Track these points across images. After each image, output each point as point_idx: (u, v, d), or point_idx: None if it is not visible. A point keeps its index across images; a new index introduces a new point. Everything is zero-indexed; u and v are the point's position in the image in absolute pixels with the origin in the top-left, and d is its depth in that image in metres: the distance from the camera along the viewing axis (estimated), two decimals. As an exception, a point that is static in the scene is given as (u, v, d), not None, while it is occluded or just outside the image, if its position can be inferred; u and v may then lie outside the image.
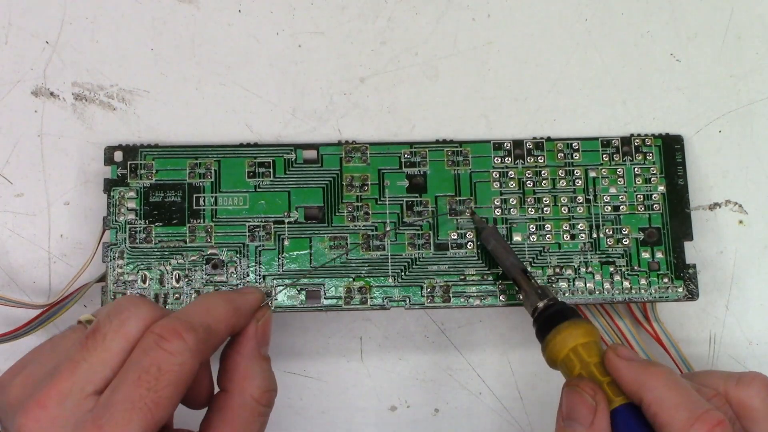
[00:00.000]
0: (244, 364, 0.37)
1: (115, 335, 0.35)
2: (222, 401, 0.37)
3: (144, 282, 0.45)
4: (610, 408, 0.38)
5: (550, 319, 0.41)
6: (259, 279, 0.45)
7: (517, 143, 0.47)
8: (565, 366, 0.40)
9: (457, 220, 0.46)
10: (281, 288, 0.45)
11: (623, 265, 0.46)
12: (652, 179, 0.47)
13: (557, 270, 0.46)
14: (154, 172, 0.46)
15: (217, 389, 0.38)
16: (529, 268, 0.45)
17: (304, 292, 0.45)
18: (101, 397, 0.34)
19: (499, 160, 0.47)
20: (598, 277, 0.46)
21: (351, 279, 0.45)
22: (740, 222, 0.49)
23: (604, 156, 0.47)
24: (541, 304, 0.42)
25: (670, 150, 0.48)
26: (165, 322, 0.35)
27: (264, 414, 0.37)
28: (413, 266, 0.46)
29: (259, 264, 0.45)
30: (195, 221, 0.46)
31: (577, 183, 0.47)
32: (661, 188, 0.47)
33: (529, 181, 0.47)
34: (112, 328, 0.35)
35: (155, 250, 0.45)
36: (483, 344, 0.48)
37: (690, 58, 0.50)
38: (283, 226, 0.46)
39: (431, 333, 0.48)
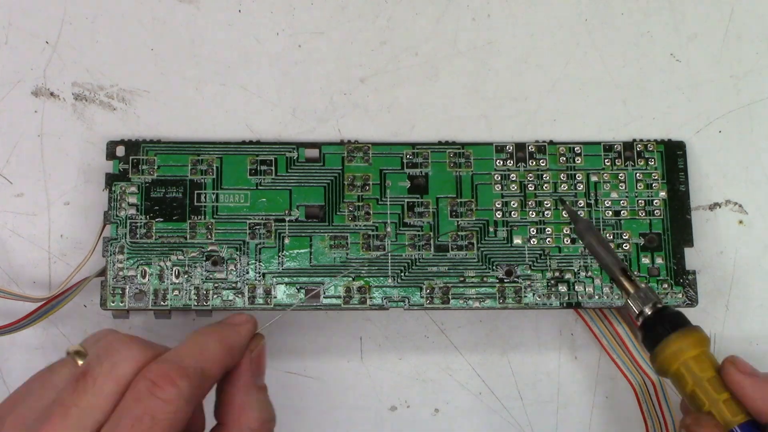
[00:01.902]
0: (240, 396, 0.36)
1: (106, 379, 0.34)
2: None
3: (143, 277, 0.45)
4: (728, 428, 0.37)
5: (657, 326, 0.39)
6: (259, 277, 0.45)
7: (519, 146, 0.47)
8: (677, 381, 0.39)
9: (457, 222, 0.46)
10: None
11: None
12: (653, 185, 0.47)
13: (557, 273, 0.46)
14: (155, 167, 0.46)
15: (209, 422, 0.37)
16: (628, 268, 0.41)
17: (303, 291, 0.45)
18: None
19: (501, 162, 0.47)
20: (597, 281, 0.46)
21: (351, 279, 0.45)
22: (740, 222, 0.49)
23: (606, 161, 0.47)
24: (647, 310, 0.40)
25: (672, 156, 0.48)
26: (158, 368, 0.34)
27: None
28: (413, 267, 0.46)
29: (259, 261, 0.45)
30: (196, 218, 0.46)
31: (579, 187, 0.47)
32: (663, 194, 0.47)
33: (530, 184, 0.47)
34: (103, 371, 0.34)
35: (155, 245, 0.45)
36: (483, 344, 0.48)
37: (690, 58, 0.50)
38: (283, 224, 0.46)
39: (431, 333, 0.48)
